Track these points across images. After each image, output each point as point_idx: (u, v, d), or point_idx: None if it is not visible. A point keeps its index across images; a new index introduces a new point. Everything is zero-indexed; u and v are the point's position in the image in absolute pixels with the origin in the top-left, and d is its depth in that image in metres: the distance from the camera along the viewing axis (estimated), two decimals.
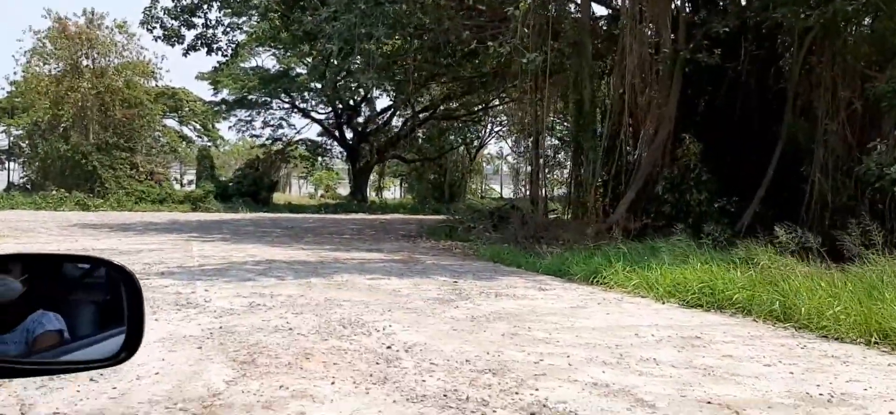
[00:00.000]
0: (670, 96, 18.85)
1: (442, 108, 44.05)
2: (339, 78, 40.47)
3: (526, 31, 18.39)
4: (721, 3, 20.78)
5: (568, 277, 13.29)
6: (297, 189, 73.13)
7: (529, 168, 24.84)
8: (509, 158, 71.80)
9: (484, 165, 65.00)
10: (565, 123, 24.76)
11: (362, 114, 45.70)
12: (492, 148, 65.38)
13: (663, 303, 10.38)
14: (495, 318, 8.87)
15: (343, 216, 37.33)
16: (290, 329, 7.90)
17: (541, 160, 23.85)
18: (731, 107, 19.73)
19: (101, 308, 1.82)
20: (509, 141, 56.72)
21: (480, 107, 46.33)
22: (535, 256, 16.47)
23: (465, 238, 21.26)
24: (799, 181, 18.19)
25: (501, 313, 9.21)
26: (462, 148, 55.12)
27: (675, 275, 11.12)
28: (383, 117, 45.87)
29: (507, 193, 73.72)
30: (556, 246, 18.09)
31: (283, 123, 46.15)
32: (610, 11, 23.17)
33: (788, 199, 18.57)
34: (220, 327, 7.87)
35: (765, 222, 18.81)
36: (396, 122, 47.40)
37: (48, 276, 1.79)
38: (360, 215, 38.64)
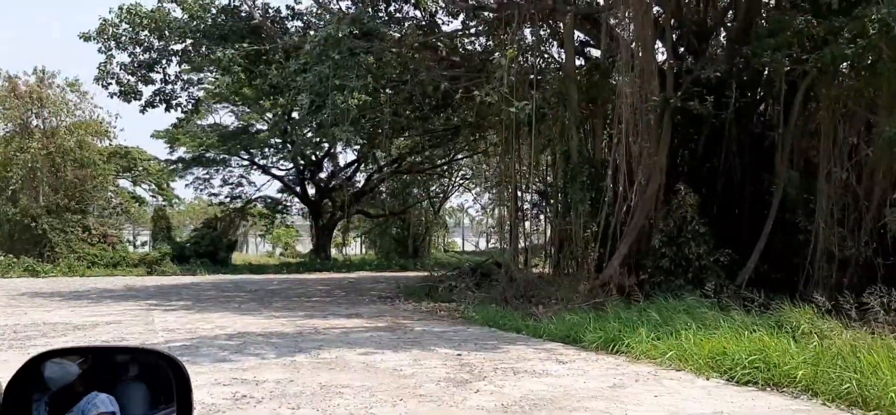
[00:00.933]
0: (660, 145, 17.74)
1: (407, 161, 42.70)
2: (305, 132, 39.15)
3: (512, 79, 17.19)
4: (708, 51, 19.88)
5: (581, 344, 11.88)
6: (255, 248, 70.92)
7: (506, 222, 23.43)
8: (471, 212, 70.85)
9: (446, 219, 63.75)
10: (547, 176, 23.54)
11: (325, 169, 44.14)
12: (453, 201, 64.32)
13: (707, 379, 9.01)
14: (530, 406, 7.41)
15: (307, 276, 35.49)
16: None
17: (520, 213, 22.54)
18: (720, 156, 18.73)
19: (151, 394, 1.87)
20: (477, 194, 55.73)
21: (445, 160, 45.12)
22: (530, 318, 15.09)
23: (447, 298, 19.78)
24: (797, 233, 17.15)
25: (534, 399, 7.76)
26: (425, 202, 53.73)
27: (711, 344, 9.77)
28: (347, 172, 44.29)
29: (469, 246, 72.83)
30: (549, 306, 16.75)
31: (243, 181, 44.31)
32: (588, 61, 22.16)
33: (787, 251, 17.52)
34: None
35: (765, 277, 17.76)
36: (359, 177, 45.94)
37: (103, 362, 1.90)
38: (326, 275, 36.85)
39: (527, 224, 23.62)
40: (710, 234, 17.17)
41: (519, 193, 22.36)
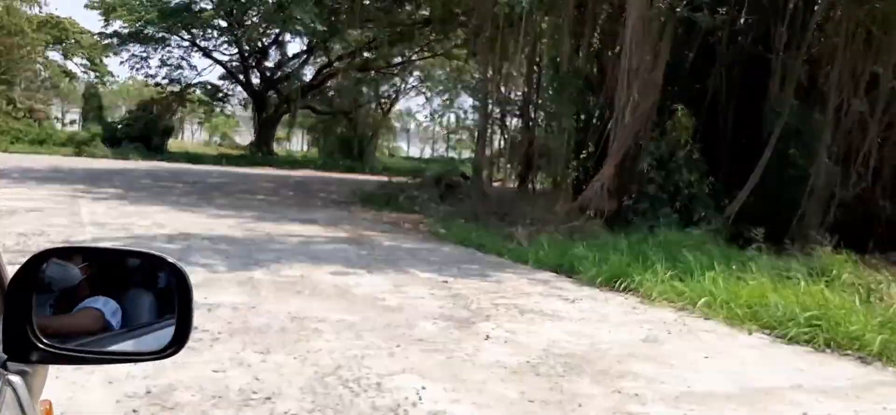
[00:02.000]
0: (658, 60, 16.11)
1: (361, 58, 40.28)
2: (252, 14, 36.40)
3: None
4: None
5: (578, 277, 10.36)
6: (191, 136, 67.86)
7: (482, 131, 21.66)
8: (419, 117, 68.80)
9: (394, 123, 61.67)
10: (529, 84, 21.76)
11: (272, 58, 41.34)
12: (400, 105, 62.24)
13: (749, 333, 7.58)
14: (563, 367, 5.87)
15: (249, 171, 33.25)
16: (268, 398, 4.68)
17: (493, 122, 20.84)
18: (713, 77, 17.24)
19: (153, 301, 1.79)
20: (429, 98, 53.75)
21: (406, 59, 42.86)
22: (510, 240, 13.58)
23: (408, 209, 18.14)
24: (793, 167, 15.89)
25: (561, 355, 6.22)
26: (374, 104, 51.43)
27: (749, 291, 8.34)
28: (295, 63, 41.52)
29: (415, 152, 70.99)
30: (524, 226, 15.27)
31: (183, 63, 41.12)
32: None
33: (780, 187, 16.26)
34: (148, 393, 4.58)
35: (758, 211, 16.55)
36: (307, 70, 43.22)
37: (107, 266, 1.80)
38: (268, 170, 34.63)
39: (498, 135, 21.90)
40: (703, 161, 15.79)
41: (490, 102, 20.54)
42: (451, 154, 63.95)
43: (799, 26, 16.01)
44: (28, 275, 1.55)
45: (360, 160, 44.93)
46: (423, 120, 68.69)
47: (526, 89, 22.15)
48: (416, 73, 49.08)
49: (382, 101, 53.45)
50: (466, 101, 60.63)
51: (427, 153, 71.90)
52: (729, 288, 8.51)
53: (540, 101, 20.28)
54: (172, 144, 43.68)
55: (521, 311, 7.91)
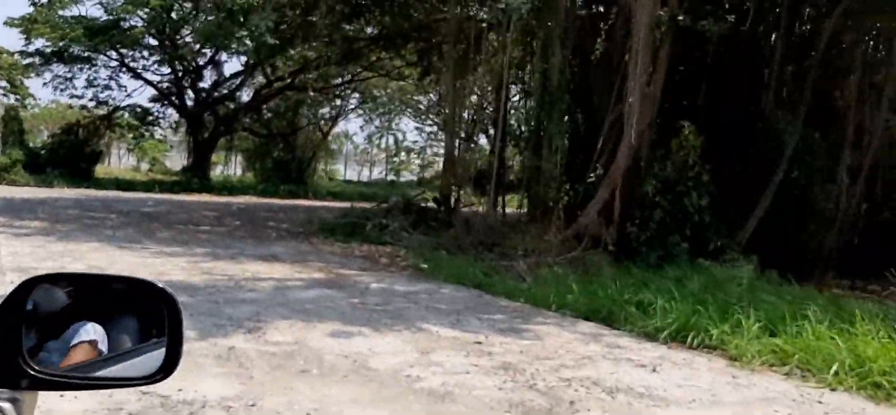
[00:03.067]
0: (656, 73, 14.34)
1: (302, 77, 37.82)
2: (187, 33, 33.64)
3: None
4: None
5: (626, 327, 8.34)
6: (119, 161, 63.86)
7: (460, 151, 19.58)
8: (356, 139, 66.37)
9: (332, 145, 59.12)
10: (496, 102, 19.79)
11: (208, 78, 38.38)
12: (337, 127, 59.86)
13: (877, 404, 5.68)
14: None
15: (186, 198, 30.39)
16: None
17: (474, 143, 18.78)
18: (713, 92, 15.61)
19: (141, 326, 1.70)
20: (369, 119, 51.64)
21: (342, 80, 40.55)
22: (508, 275, 11.56)
23: (377, 239, 15.90)
24: (807, 191, 14.32)
25: None
26: (311, 125, 48.83)
27: (879, 351, 6.44)
28: (233, 83, 38.63)
29: (352, 175, 68.43)
30: (516, 258, 13.29)
31: (111, 84, 37.82)
32: None
33: (799, 206, 14.64)
34: None
35: (771, 236, 14.91)
36: (245, 92, 40.38)
37: (92, 291, 1.73)
38: (206, 198, 31.81)
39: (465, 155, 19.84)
40: (711, 183, 14.05)
41: (462, 122, 18.49)
42: (391, 177, 61.99)
43: (807, 37, 14.50)
44: (16, 302, 1.55)
45: (299, 184, 42.30)
46: (361, 143, 66.60)
47: (495, 107, 20.23)
48: (356, 94, 46.84)
49: (322, 122, 51.03)
50: (409, 123, 59.21)
51: (364, 176, 69.62)
52: (851, 348, 6.58)
53: (514, 121, 18.41)
54: (100, 170, 40.15)
55: (605, 390, 5.82)
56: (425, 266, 12.82)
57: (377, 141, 65.06)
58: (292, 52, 32.14)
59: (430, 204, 19.04)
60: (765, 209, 14.28)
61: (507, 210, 21.29)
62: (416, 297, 9.82)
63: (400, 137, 62.63)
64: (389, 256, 14.10)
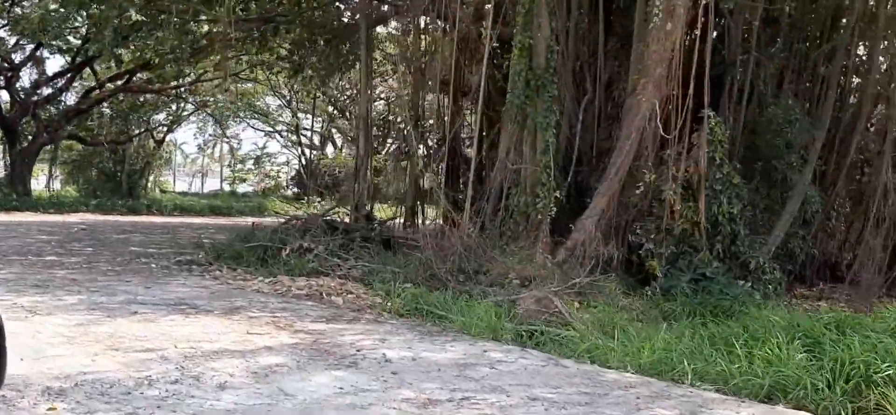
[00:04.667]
0: (663, 48, 11.39)
1: (138, 78, 32.32)
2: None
3: None
4: None
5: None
6: None
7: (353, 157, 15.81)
8: (185, 148, 60.18)
9: (166, 154, 52.80)
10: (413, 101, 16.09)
11: (27, 78, 31.82)
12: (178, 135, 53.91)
13: None
14: None
15: (6, 218, 24.39)
16: None
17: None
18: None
19: None
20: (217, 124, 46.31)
21: (184, 80, 35.26)
22: (548, 321, 8.18)
23: (302, 267, 11.92)
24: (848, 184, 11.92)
25: None
26: (145, 133, 42.64)
27: None
28: (58, 83, 32.18)
29: (182, 186, 61.79)
30: (514, 288, 9.94)
31: None
32: None
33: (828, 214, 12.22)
34: None
35: (798, 248, 12.39)
36: (71, 94, 33.91)
37: None
38: (33, 216, 25.83)
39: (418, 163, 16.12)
40: (743, 186, 11.29)
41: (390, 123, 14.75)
42: (227, 187, 56.27)
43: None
44: None
45: (129, 199, 36.27)
46: (194, 152, 60.45)
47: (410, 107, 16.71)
48: (195, 97, 41.30)
49: (156, 129, 45.02)
50: (250, 130, 53.68)
51: (195, 188, 63.28)
52: None
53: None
54: None
55: None
56: (406, 308, 9.15)
57: (210, 150, 59.38)
58: (133, 46, 26.86)
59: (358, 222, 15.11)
60: (792, 215, 11.69)
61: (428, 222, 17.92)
62: (468, 371, 6.19)
63: (235, 145, 57.38)
64: (337, 291, 10.23)
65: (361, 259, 12.45)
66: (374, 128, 17.89)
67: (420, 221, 17.49)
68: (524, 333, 7.78)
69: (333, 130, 49.14)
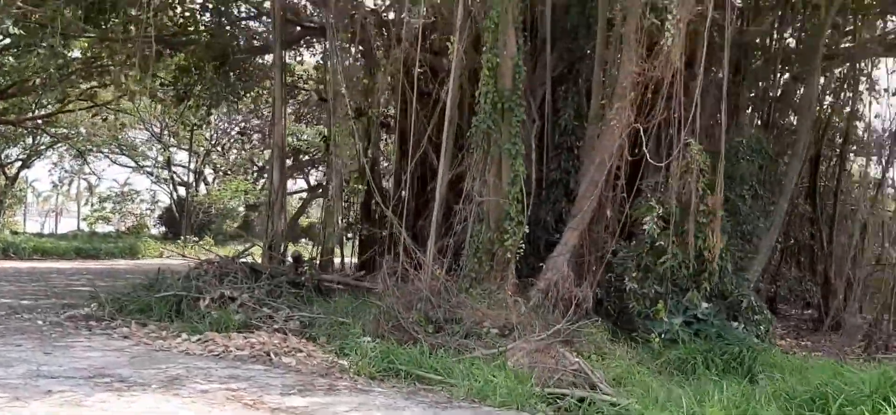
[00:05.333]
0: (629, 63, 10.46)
1: None
2: None
3: None
4: None
5: None
6: None
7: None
8: (37, 186, 55.33)
9: (20, 192, 48.08)
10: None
11: None
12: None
13: None
14: None
15: None
16: None
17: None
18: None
19: None
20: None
21: (42, 112, 32.02)
22: (567, 381, 6.92)
23: (226, 319, 10.01)
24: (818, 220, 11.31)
25: None
26: None
27: None
28: None
29: (34, 227, 56.42)
30: (492, 339, 8.63)
31: None
32: None
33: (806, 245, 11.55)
34: None
35: (777, 284, 11.64)
36: None
37: None
38: None
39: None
40: (726, 220, 10.42)
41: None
42: (86, 227, 51.68)
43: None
44: None
45: None
46: (46, 190, 55.62)
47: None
48: (51, 129, 37.56)
49: (8, 165, 40.93)
50: (109, 167, 49.27)
51: (49, 228, 58.08)
52: None
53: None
54: None
55: None
56: (377, 369, 7.57)
57: (66, 187, 54.53)
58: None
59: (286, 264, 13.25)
60: (770, 247, 10.95)
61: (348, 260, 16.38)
62: None
63: (94, 182, 52.87)
64: (292, 354, 8.48)
65: (297, 308, 10.71)
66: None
67: (339, 261, 15.90)
68: (556, 398, 6.41)
69: (207, 167, 46.25)
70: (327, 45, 15.30)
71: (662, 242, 9.85)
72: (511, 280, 10.17)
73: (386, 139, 18.45)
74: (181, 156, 44.55)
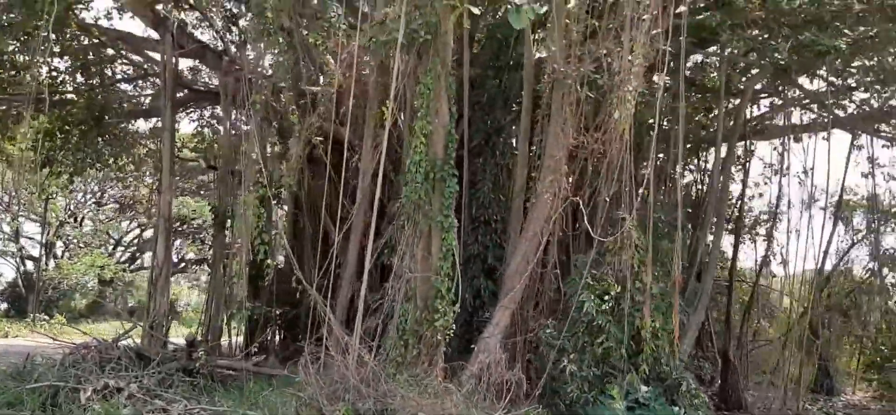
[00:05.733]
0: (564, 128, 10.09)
1: None
2: None
3: None
4: None
5: None
6: None
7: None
8: None
9: None
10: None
11: None
12: None
13: None
14: None
15: None
16: None
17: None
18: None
19: None
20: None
21: None
22: None
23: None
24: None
25: None
26: None
27: None
28: None
29: None
30: None
31: None
32: None
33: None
34: None
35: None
36: None
37: None
38: None
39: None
40: (663, 296, 10.04)
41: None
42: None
43: None
44: None
45: None
46: None
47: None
48: None
49: None
50: None
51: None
52: None
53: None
54: None
55: None
56: None
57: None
58: None
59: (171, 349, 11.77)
60: (697, 328, 10.69)
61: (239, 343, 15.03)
62: None
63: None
64: None
65: (195, 400, 9.41)
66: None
67: (226, 343, 14.51)
68: None
69: (59, 239, 42.63)
70: (220, 111, 14.22)
71: (600, 322, 9.34)
72: (440, 364, 9.34)
73: (283, 213, 17.27)
74: (30, 227, 40.89)
